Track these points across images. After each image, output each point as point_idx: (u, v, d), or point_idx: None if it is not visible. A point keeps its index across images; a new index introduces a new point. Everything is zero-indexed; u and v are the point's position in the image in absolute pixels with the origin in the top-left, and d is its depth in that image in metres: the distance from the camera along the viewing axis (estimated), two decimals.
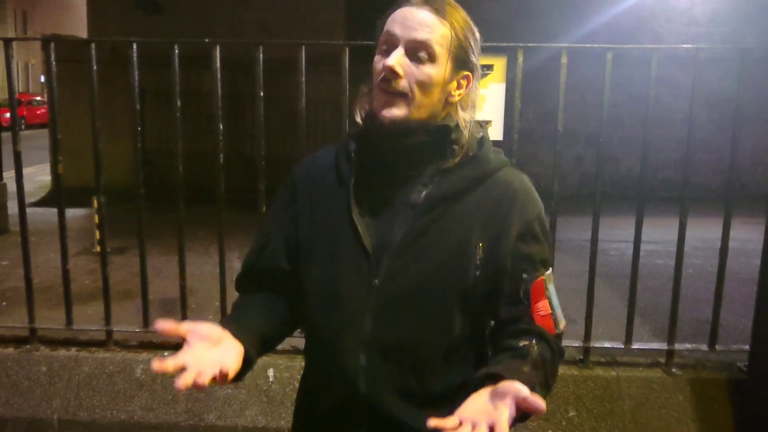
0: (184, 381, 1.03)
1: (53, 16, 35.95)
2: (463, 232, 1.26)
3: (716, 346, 3.46)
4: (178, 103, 3.38)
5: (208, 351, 1.13)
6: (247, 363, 1.21)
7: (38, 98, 27.10)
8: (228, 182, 3.44)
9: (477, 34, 1.28)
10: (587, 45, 3.45)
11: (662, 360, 3.48)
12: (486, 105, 3.37)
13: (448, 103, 1.28)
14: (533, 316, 1.26)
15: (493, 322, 1.33)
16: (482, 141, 1.33)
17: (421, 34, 1.21)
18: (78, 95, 6.42)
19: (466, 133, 1.30)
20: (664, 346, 3.47)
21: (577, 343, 3.48)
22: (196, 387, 1.05)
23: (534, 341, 1.23)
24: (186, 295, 3.56)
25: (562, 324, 1.29)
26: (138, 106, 3.44)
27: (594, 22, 9.74)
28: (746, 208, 5.00)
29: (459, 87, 1.28)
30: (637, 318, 3.61)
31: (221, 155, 3.40)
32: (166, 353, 3.53)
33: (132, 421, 3.30)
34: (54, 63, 3.40)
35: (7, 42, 3.40)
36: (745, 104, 3.29)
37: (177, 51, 3.33)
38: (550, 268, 1.31)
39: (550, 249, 1.33)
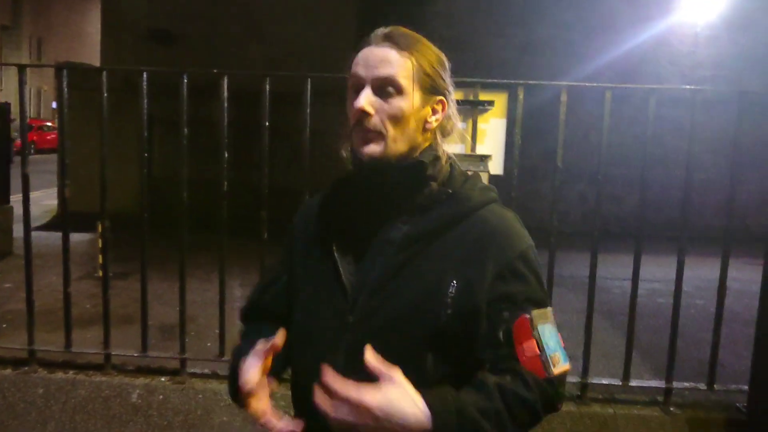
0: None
1: (68, 43, 36.55)
2: (437, 271, 1.24)
3: (715, 386, 3.44)
4: (186, 131, 3.45)
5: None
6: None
7: (49, 124, 27.42)
8: (233, 210, 3.48)
9: (443, 58, 1.32)
10: (586, 84, 3.51)
11: (660, 398, 3.45)
12: (486, 139, 3.42)
13: (426, 130, 1.31)
14: (518, 357, 1.21)
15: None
16: (468, 178, 1.34)
17: (383, 71, 1.25)
18: (88, 122, 6.51)
19: (445, 167, 1.32)
20: (662, 384, 3.46)
21: (575, 379, 3.47)
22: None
23: (508, 377, 1.18)
24: (185, 321, 3.57)
25: (559, 368, 1.22)
26: (146, 134, 3.51)
27: (598, 61, 9.86)
28: (751, 250, 5.00)
29: (435, 113, 1.31)
30: (637, 356, 3.59)
31: (225, 183, 3.46)
32: (162, 378, 3.54)
33: None
34: (66, 89, 3.49)
35: (21, 68, 3.50)
36: (749, 146, 3.33)
37: (186, 80, 3.41)
38: (545, 307, 1.26)
39: (540, 287, 1.28)
